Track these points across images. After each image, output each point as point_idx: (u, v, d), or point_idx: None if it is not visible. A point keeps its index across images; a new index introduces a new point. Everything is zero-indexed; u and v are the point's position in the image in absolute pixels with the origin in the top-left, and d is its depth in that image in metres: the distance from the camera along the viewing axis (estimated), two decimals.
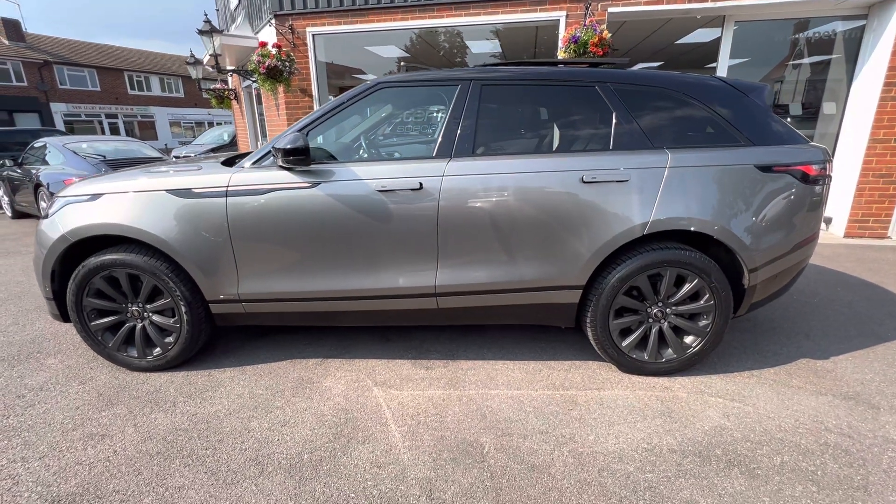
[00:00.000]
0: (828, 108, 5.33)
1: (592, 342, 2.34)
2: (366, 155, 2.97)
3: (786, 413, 2.04)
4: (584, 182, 2.09)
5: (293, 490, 1.64)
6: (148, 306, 2.36)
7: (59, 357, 2.62)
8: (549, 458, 1.78)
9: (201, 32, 5.87)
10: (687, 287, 2.20)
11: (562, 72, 2.24)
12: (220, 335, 2.87)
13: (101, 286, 2.30)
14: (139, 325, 2.39)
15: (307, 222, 2.14)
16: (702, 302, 2.22)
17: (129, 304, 2.37)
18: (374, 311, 2.31)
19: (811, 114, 5.68)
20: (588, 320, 2.28)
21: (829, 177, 2.25)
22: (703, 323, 2.26)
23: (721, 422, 1.98)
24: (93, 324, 2.37)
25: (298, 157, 2.03)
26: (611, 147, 2.17)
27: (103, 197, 2.23)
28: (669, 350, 2.31)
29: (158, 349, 2.41)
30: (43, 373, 2.45)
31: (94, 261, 2.25)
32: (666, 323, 2.29)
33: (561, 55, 5.06)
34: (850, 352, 2.58)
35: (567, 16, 5.25)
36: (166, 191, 2.18)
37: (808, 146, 2.22)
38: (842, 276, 3.82)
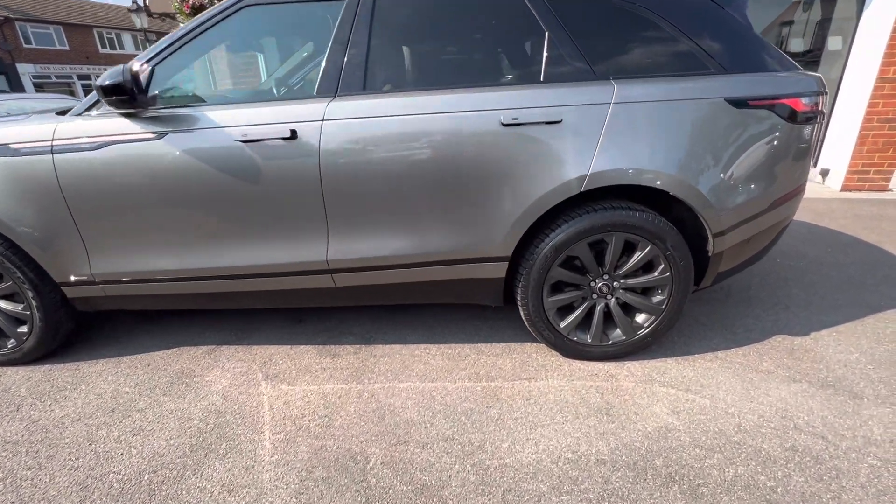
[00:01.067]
0: (833, 43, 4.71)
1: (526, 323, 1.95)
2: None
3: (749, 407, 1.68)
4: (505, 125, 1.62)
5: None
6: None
7: None
8: (447, 475, 1.43)
9: None
10: (637, 256, 1.78)
11: None
12: (109, 318, 2.48)
13: None
14: None
15: (156, 184, 1.69)
16: (655, 273, 1.81)
17: None
18: (259, 292, 1.90)
19: (815, 57, 5.07)
20: (519, 297, 1.88)
21: (822, 114, 1.78)
22: (657, 299, 1.86)
23: (669, 420, 1.62)
24: None
25: (121, 98, 1.55)
26: (542, 79, 1.68)
27: None
28: (617, 331, 1.93)
29: (12, 341, 2.03)
30: None
31: None
32: (613, 299, 1.89)
33: None
34: (834, 326, 2.20)
35: None
36: None
37: (797, 74, 1.73)
38: (834, 235, 3.41)
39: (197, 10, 4.49)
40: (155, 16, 6.11)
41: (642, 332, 1.90)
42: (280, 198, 1.70)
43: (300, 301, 1.96)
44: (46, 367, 2.06)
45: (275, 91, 2.55)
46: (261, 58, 2.16)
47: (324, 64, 1.70)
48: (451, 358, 2.03)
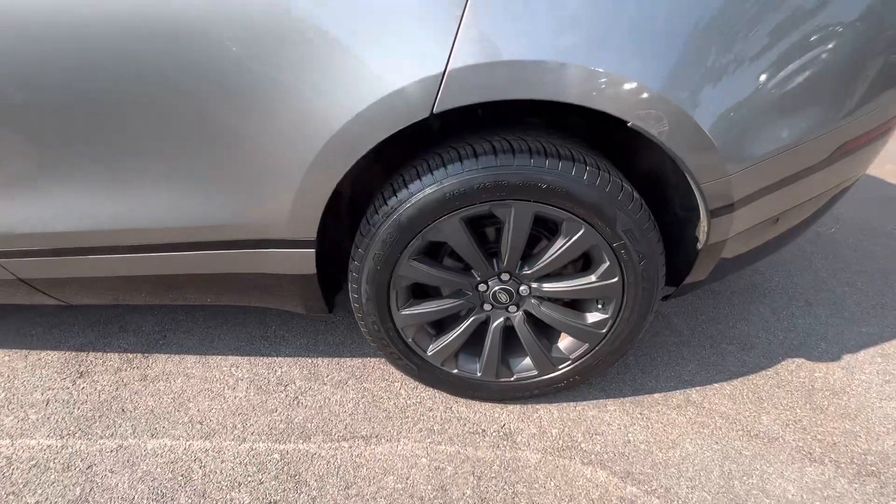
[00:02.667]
0: None
1: (372, 346, 1.16)
2: None
3: None
4: None
5: None
6: None
7: None
8: None
9: None
10: (560, 245, 0.93)
11: None
12: None
13: None
14: None
15: None
16: (593, 277, 0.98)
17: None
18: None
19: None
20: (353, 307, 1.07)
21: None
22: (594, 317, 1.04)
23: None
24: None
25: None
26: None
27: None
28: (527, 360, 1.14)
29: None
30: None
31: None
32: (519, 313, 1.07)
33: None
34: (879, 344, 1.41)
35: None
36: None
37: None
38: (883, 187, 2.50)
39: None
40: None
41: (566, 366, 1.12)
42: None
43: None
44: None
45: None
46: None
47: None
48: (262, 388, 1.26)
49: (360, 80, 0.74)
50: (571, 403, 1.21)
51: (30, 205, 0.89)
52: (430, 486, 1.01)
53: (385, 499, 0.99)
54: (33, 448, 1.09)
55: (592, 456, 1.08)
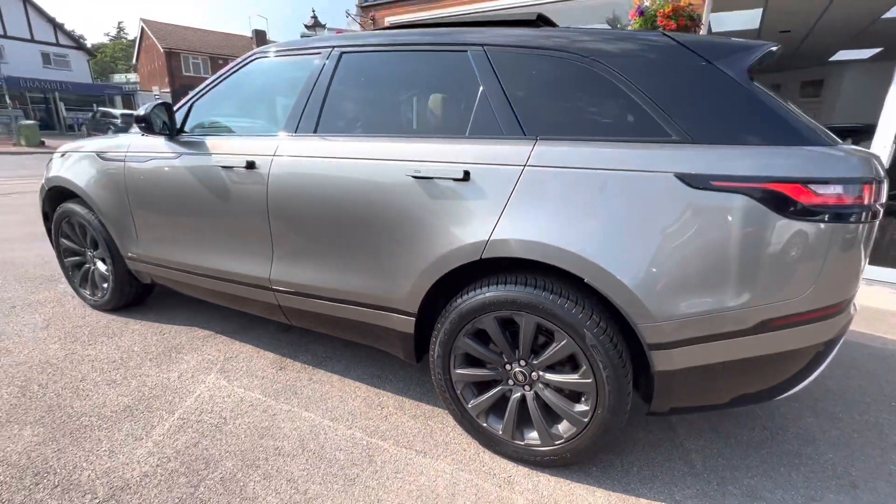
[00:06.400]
0: None
1: (436, 389, 1.78)
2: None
3: None
4: (413, 177, 1.57)
5: None
6: (91, 252, 2.72)
7: None
8: None
9: (308, 27, 6.59)
10: (554, 348, 1.48)
11: (431, 35, 1.71)
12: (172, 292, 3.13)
13: (67, 229, 2.74)
14: (91, 268, 2.77)
15: (171, 190, 2.14)
16: (576, 375, 1.47)
17: (87, 250, 2.76)
18: (218, 293, 2.20)
19: None
20: (430, 359, 1.74)
21: (867, 209, 1.22)
22: (580, 407, 1.50)
23: None
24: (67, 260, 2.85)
25: (143, 125, 2.03)
26: (468, 132, 1.57)
27: (66, 154, 2.63)
28: (534, 433, 1.61)
29: (100, 292, 2.76)
30: None
31: (61, 207, 2.68)
32: (531, 392, 1.59)
33: None
34: None
35: None
36: (94, 152, 2.45)
37: (821, 149, 1.23)
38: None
39: None
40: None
41: (560, 443, 1.54)
42: (241, 215, 1.97)
43: (249, 307, 2.18)
44: (114, 317, 2.74)
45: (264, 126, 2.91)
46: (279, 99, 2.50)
47: (293, 107, 1.92)
48: (369, 403, 1.97)
49: (450, 236, 1.52)
50: (567, 480, 1.58)
51: (303, 268, 1.88)
52: (445, 492, 1.52)
53: (417, 488, 1.53)
54: (253, 396, 1.99)
55: None
